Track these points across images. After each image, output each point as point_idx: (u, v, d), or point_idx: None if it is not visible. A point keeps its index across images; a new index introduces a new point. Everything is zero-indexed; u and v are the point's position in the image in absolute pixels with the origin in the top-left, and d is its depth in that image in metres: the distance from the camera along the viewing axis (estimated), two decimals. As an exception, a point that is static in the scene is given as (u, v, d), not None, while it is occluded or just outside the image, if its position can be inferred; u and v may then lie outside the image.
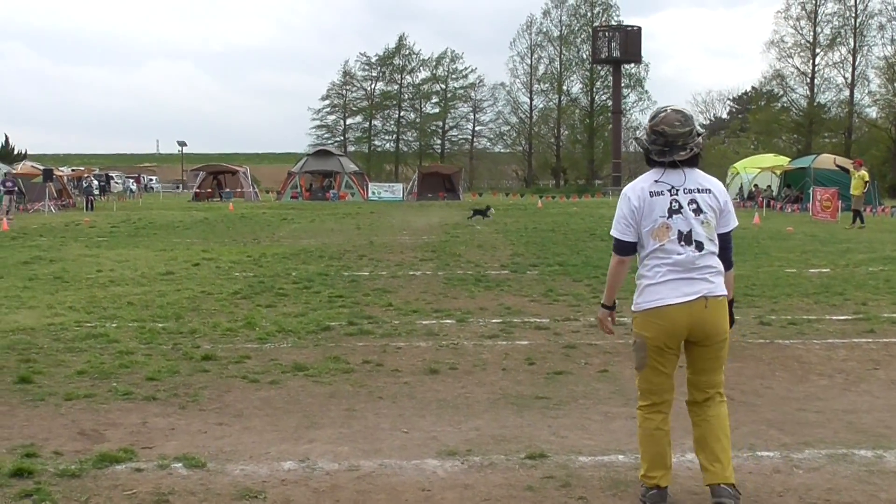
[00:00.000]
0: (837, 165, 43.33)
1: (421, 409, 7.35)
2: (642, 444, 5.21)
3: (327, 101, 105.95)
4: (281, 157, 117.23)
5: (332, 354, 9.32)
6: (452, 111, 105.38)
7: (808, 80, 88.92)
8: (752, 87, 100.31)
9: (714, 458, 5.07)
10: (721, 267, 5.05)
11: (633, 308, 5.14)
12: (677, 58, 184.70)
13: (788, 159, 56.67)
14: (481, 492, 5.45)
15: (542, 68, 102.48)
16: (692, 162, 5.03)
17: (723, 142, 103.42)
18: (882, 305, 12.74)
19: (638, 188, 5.05)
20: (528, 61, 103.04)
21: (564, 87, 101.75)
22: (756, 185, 51.96)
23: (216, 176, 68.54)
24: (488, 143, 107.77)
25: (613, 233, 5.15)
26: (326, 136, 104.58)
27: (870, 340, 10.26)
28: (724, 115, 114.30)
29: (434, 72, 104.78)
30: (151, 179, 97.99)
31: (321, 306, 12.55)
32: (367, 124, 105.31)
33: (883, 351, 9.71)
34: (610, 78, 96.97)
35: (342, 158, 67.54)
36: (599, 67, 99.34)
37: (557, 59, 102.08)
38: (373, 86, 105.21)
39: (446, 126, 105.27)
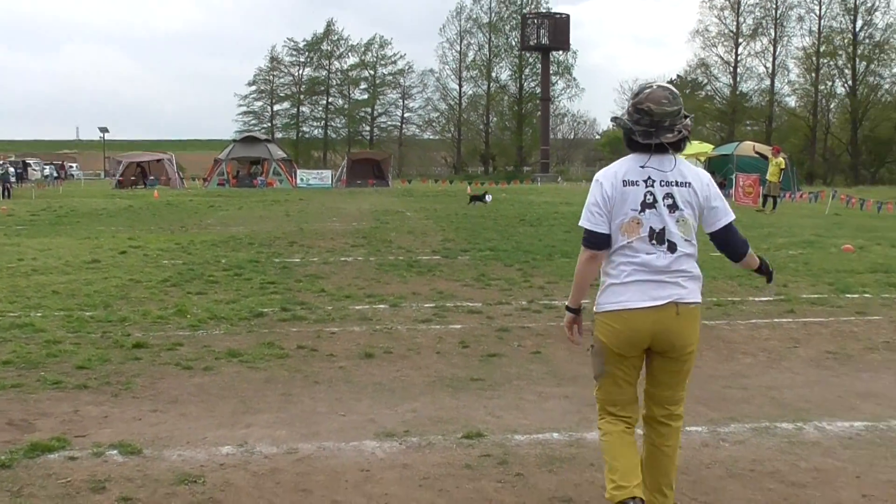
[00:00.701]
0: (757, 152, 44.15)
1: (357, 393, 7.38)
2: (609, 453, 4.54)
3: (254, 87, 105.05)
4: (207, 143, 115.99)
5: (266, 340, 9.30)
6: (381, 98, 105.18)
7: (732, 69, 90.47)
8: (678, 76, 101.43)
9: (658, 491, 4.60)
10: (697, 271, 4.48)
11: (594, 308, 4.53)
12: (605, 46, 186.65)
13: (712, 146, 57.45)
14: (420, 471, 5.51)
15: (471, 55, 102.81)
16: (679, 146, 4.43)
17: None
18: (801, 287, 13.05)
19: (611, 173, 4.44)
20: (458, 48, 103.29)
21: (493, 74, 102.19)
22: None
23: (140, 163, 67.55)
24: (417, 130, 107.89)
25: (583, 223, 4.45)
26: (253, 122, 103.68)
27: (790, 320, 10.52)
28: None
29: (363, 58, 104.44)
30: (72, 167, 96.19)
31: (253, 293, 12.49)
32: (294, 111, 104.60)
33: (803, 330, 9.97)
34: (538, 65, 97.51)
35: (270, 145, 66.97)
36: (528, 54, 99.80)
37: (486, 45, 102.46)
38: (300, 72, 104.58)
39: (375, 112, 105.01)
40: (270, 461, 5.70)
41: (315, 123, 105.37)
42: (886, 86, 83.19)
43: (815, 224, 25.60)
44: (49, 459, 5.72)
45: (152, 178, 64.82)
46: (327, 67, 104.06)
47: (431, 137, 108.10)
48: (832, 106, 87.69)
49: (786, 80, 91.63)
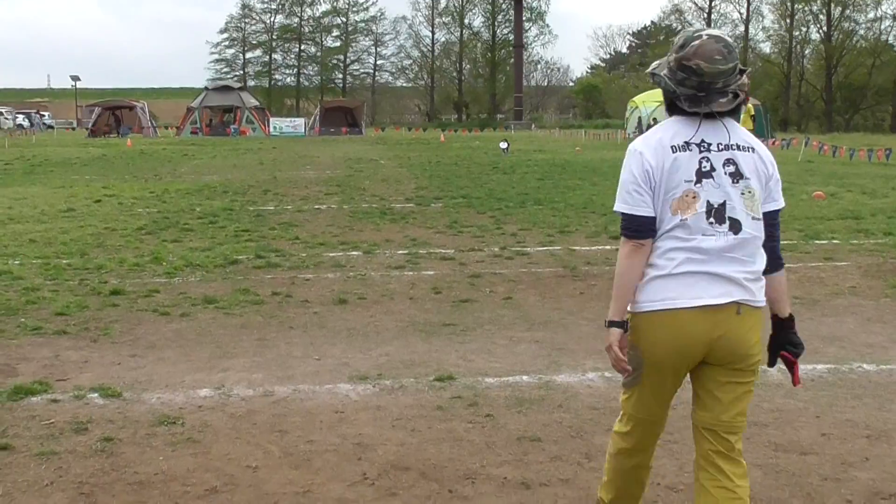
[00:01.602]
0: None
1: (331, 338, 7.53)
2: (612, 474, 3.99)
3: (226, 35, 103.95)
4: (179, 91, 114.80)
5: (242, 287, 9.42)
6: (354, 45, 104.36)
7: (706, 14, 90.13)
8: (652, 22, 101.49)
9: None
10: (763, 262, 3.54)
11: (630, 307, 3.60)
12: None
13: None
14: (393, 412, 5.68)
15: (443, 2, 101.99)
16: (734, 113, 3.56)
17: (622, 76, 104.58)
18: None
19: (654, 140, 3.54)
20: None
21: (466, 21, 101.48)
22: (654, 119, 52.65)
23: (113, 111, 66.99)
24: (390, 78, 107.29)
25: (619, 206, 3.57)
26: (225, 70, 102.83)
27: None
28: (624, 50, 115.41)
29: (335, 4, 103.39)
30: (43, 116, 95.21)
31: (228, 241, 12.59)
32: (267, 58, 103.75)
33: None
34: (511, 11, 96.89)
35: (242, 93, 66.58)
36: (501, 1, 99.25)
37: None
38: (272, 19, 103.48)
39: (348, 60, 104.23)
40: (247, 403, 5.85)
41: (287, 71, 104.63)
42: (861, 31, 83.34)
43: (788, 171, 25.77)
44: (32, 402, 5.85)
45: (126, 126, 64.31)
46: (299, 14, 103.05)
47: (404, 85, 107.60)
48: (807, 52, 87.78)
49: (760, 26, 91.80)
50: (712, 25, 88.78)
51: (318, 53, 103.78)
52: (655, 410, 3.77)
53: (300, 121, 67.12)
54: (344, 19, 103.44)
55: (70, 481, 4.63)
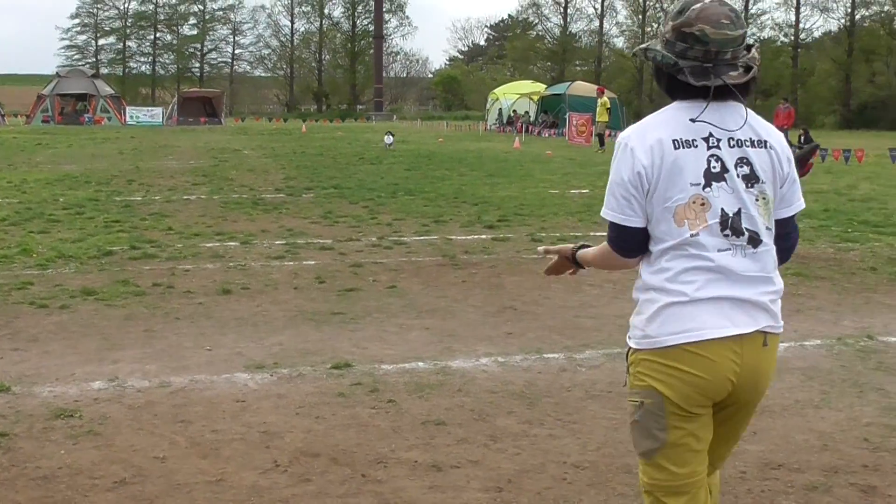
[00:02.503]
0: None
1: (221, 328, 7.45)
2: None
3: (77, 21, 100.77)
4: (27, 78, 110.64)
5: (120, 278, 9.21)
6: (211, 33, 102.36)
7: (562, 9, 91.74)
8: (509, 15, 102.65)
9: None
10: (780, 279, 3.02)
11: (633, 343, 3.00)
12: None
13: (545, 86, 58.65)
14: (295, 400, 5.68)
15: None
16: (746, 91, 2.95)
17: (481, 68, 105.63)
18: (640, 222, 13.63)
19: (648, 132, 2.96)
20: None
21: (326, 11, 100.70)
22: (515, 111, 53.57)
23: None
24: (249, 67, 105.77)
25: (604, 212, 3.03)
26: (77, 57, 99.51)
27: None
28: (482, 43, 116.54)
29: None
30: None
31: (98, 231, 12.27)
32: (121, 46, 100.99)
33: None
34: (371, 2, 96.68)
35: (97, 81, 64.60)
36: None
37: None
38: (126, 5, 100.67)
39: (205, 49, 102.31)
40: (144, 395, 5.76)
41: (143, 59, 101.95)
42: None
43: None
44: (-87, 399, 5.64)
45: (-30, 114, 61.74)
46: (154, 1, 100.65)
47: (263, 75, 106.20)
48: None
49: (614, 22, 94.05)
50: (569, 20, 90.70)
51: (175, 41, 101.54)
52: (695, 462, 3.01)
53: (158, 110, 65.60)
54: (201, 7, 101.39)
55: (-31, 477, 4.49)
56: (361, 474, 4.59)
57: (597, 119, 34.84)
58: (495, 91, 60.47)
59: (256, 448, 4.91)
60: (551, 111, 50.01)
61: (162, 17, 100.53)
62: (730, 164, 2.91)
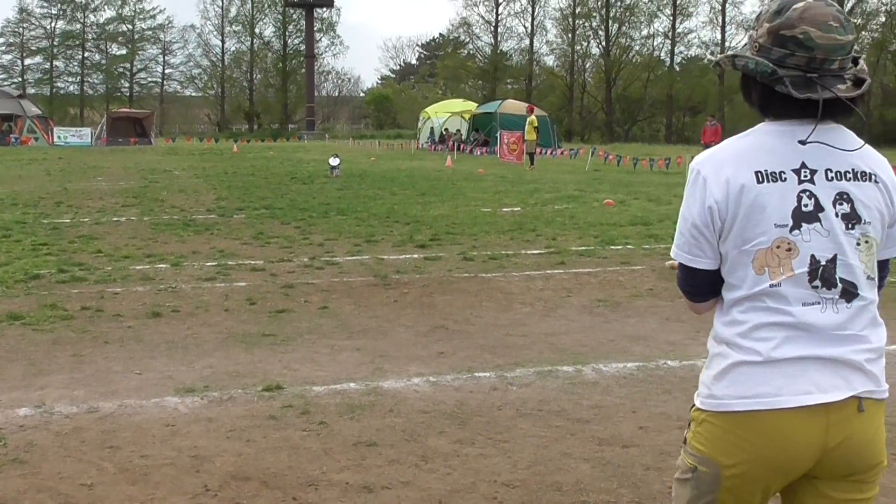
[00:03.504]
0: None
1: (150, 351, 7.39)
2: None
3: (2, 40, 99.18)
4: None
5: (48, 302, 9.08)
6: (141, 53, 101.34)
7: (493, 28, 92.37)
8: (440, 34, 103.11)
9: None
10: (883, 332, 2.55)
11: (699, 402, 2.58)
12: (367, 3, 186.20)
13: (476, 104, 58.97)
14: (226, 423, 5.66)
15: (233, 10, 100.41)
16: (850, 110, 2.47)
17: (413, 87, 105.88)
18: (569, 240, 13.81)
19: (728, 163, 2.51)
20: (220, 3, 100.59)
21: (257, 30, 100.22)
22: (447, 129, 53.74)
23: None
24: (179, 87, 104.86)
25: (674, 251, 2.63)
26: (2, 77, 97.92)
27: (561, 271, 11.16)
28: (414, 61, 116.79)
29: (119, 11, 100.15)
30: None
31: (25, 255, 12.08)
32: (48, 65, 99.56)
33: (574, 280, 10.61)
34: (303, 21, 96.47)
35: (23, 101, 63.59)
36: (292, 11, 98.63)
37: (249, 1, 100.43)
38: (53, 24, 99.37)
39: (134, 69, 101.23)
40: (72, 420, 5.70)
41: (70, 79, 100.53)
42: (637, 47, 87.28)
43: (577, 180, 26.85)
44: None
45: None
46: (82, 21, 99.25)
47: (194, 95, 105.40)
48: (588, 65, 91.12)
49: (544, 40, 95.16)
50: (499, 39, 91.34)
51: (104, 61, 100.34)
52: None
53: (86, 130, 64.64)
54: (130, 27, 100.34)
55: None
56: (293, 497, 4.59)
57: (526, 138, 35.15)
58: (427, 110, 60.61)
59: (186, 473, 4.88)
60: (483, 129, 50.28)
61: (90, 37, 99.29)
62: (826, 202, 2.45)
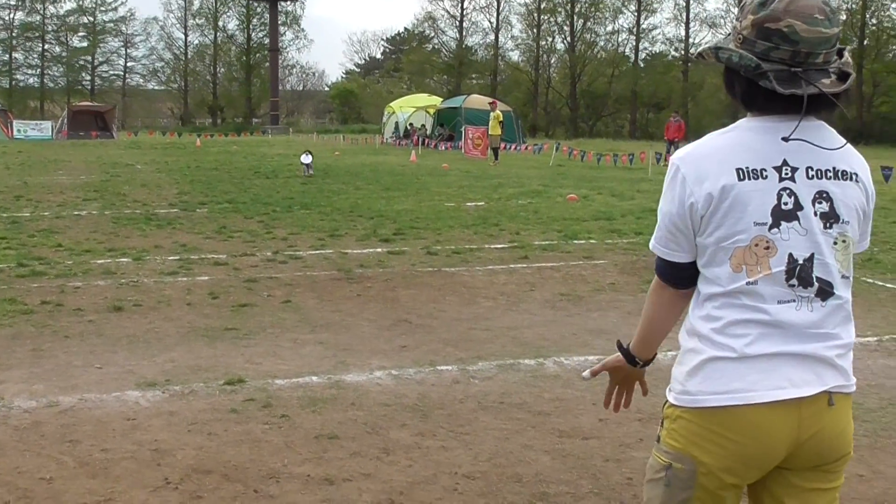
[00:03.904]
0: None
1: (111, 346, 7.35)
2: None
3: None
4: None
5: (7, 297, 9.01)
6: (102, 46, 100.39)
7: (458, 23, 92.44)
8: (405, 29, 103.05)
9: None
10: (853, 332, 2.56)
11: (672, 398, 2.56)
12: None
13: (441, 99, 58.98)
14: (187, 417, 5.64)
15: (197, 3, 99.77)
16: (833, 105, 2.44)
17: (377, 81, 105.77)
18: (533, 234, 13.86)
19: (708, 159, 2.48)
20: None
21: (221, 24, 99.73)
22: (412, 124, 53.74)
23: None
24: (141, 80, 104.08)
25: (652, 244, 2.63)
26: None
27: (525, 266, 11.21)
28: (379, 56, 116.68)
29: (80, 3, 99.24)
30: None
31: (-16, 249, 11.98)
32: (7, 57, 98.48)
33: (537, 275, 10.66)
34: (267, 15, 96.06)
35: (-19, 94, 62.95)
36: (256, 4, 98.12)
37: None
38: (12, 15, 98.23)
39: (96, 61, 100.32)
40: (31, 415, 5.66)
41: (30, 72, 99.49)
42: (601, 43, 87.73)
43: (541, 175, 26.95)
44: None
45: None
46: (42, 12, 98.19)
47: (156, 88, 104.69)
48: (553, 61, 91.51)
49: (510, 35, 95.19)
50: (464, 33, 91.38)
51: (64, 54, 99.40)
52: None
53: (47, 124, 64.07)
54: (91, 18, 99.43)
55: None
56: (254, 490, 4.59)
57: (490, 133, 35.22)
58: (391, 104, 60.58)
59: (147, 466, 4.86)
60: (447, 124, 50.32)
61: (50, 29, 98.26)
62: (805, 201, 2.44)
